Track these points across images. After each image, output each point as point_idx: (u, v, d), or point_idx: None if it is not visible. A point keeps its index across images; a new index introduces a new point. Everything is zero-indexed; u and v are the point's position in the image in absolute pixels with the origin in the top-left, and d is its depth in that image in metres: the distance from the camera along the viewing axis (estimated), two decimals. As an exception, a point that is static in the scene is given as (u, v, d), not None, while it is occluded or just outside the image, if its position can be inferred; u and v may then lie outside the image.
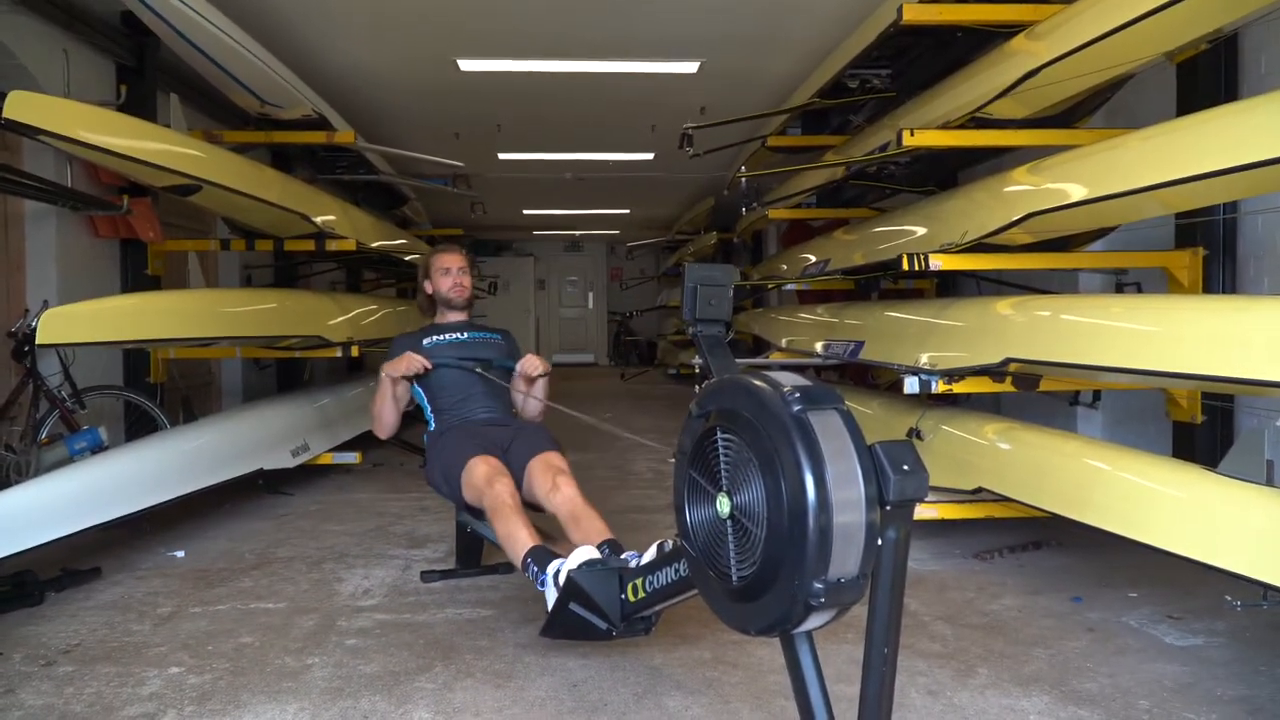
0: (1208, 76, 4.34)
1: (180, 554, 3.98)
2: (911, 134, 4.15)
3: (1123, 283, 4.76)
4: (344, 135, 6.18)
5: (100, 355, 5.44)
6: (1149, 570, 3.52)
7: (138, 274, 5.72)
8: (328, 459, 5.41)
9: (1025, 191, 3.71)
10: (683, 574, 2.16)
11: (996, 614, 3.20)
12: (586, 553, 2.59)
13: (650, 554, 2.42)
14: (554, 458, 3.19)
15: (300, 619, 3.14)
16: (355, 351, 5.71)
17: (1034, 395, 3.99)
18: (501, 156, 9.77)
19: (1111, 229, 4.17)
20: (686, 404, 2.01)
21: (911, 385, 3.86)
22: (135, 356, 5.69)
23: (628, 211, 14.48)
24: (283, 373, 8.11)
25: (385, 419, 3.49)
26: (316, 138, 6.15)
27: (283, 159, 6.88)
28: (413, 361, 3.40)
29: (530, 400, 3.55)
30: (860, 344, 4.77)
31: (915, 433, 4.15)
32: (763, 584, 1.71)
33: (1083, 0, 3.54)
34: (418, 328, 3.76)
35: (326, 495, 5.28)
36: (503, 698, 2.50)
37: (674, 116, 7.15)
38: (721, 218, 11.65)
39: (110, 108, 5.09)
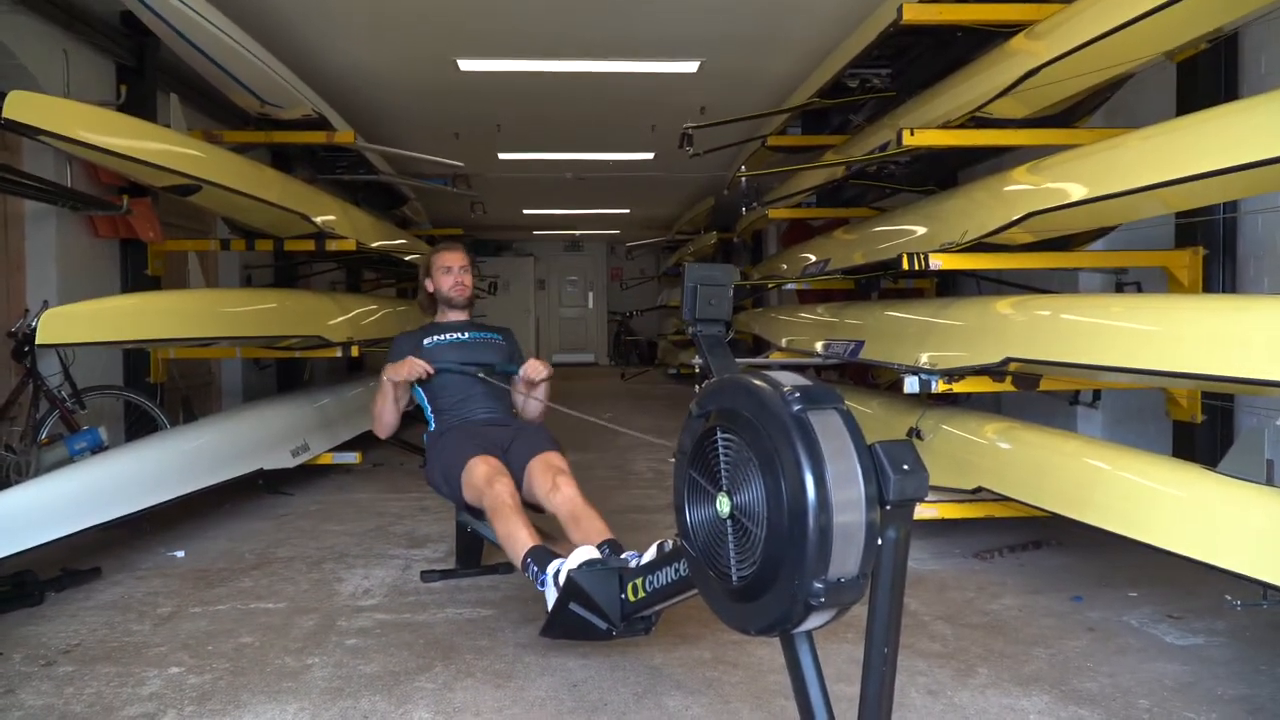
0: (1208, 76, 4.34)
1: (180, 554, 3.98)
2: (911, 133, 4.15)
3: (1123, 282, 4.76)
4: (344, 135, 6.19)
5: (100, 355, 5.44)
6: (1149, 570, 3.52)
7: (138, 274, 5.72)
8: (328, 459, 5.41)
9: (1025, 191, 3.70)
10: (683, 574, 2.16)
11: (997, 613, 3.20)
12: (586, 553, 2.59)
13: (650, 554, 2.42)
14: (554, 458, 3.20)
15: (300, 619, 3.14)
16: (355, 351, 5.71)
17: (1034, 395, 3.99)
18: (501, 156, 9.77)
19: (1111, 228, 4.17)
20: (686, 404, 2.01)
21: (911, 385, 3.86)
22: (135, 356, 5.69)
23: (628, 211, 14.48)
24: (283, 373, 8.12)
25: (385, 419, 3.52)
26: (316, 138, 6.15)
27: (283, 159, 6.88)
28: (415, 367, 3.41)
29: (531, 400, 3.56)
30: (860, 344, 4.77)
31: (915, 432, 4.15)
32: (763, 584, 1.71)
33: (1082, 0, 3.54)
34: (418, 326, 3.77)
35: (326, 495, 5.28)
36: (503, 697, 2.50)
37: (674, 116, 7.15)
38: (721, 217, 11.65)
39: (110, 108, 5.09)
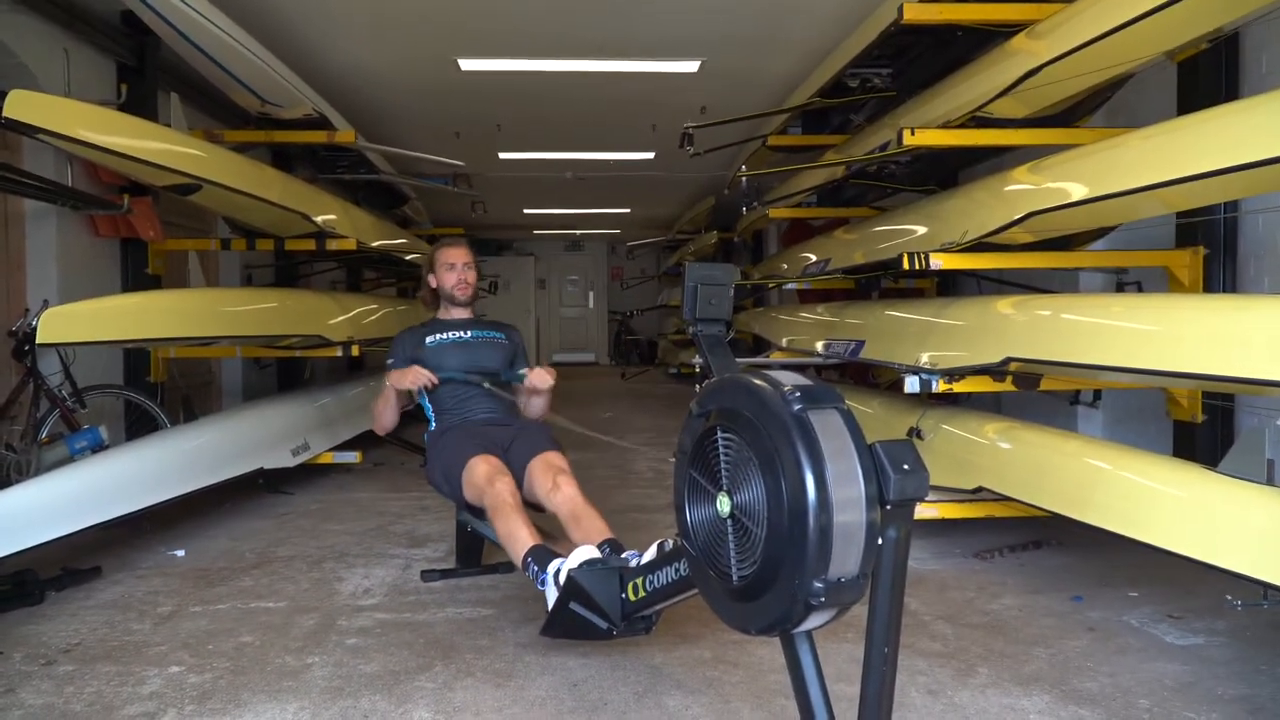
0: (1208, 76, 4.34)
1: (181, 553, 3.98)
2: (912, 133, 4.15)
3: (1123, 282, 4.76)
4: (344, 135, 6.19)
5: (100, 354, 5.44)
6: (1149, 569, 3.52)
7: (138, 273, 5.71)
8: (328, 458, 5.41)
9: (1026, 191, 3.70)
10: (683, 573, 2.16)
11: (997, 613, 3.20)
12: (587, 552, 2.60)
13: (650, 553, 2.42)
14: (554, 457, 3.20)
15: (300, 618, 3.15)
16: (355, 351, 5.71)
17: (1034, 394, 3.99)
18: (502, 156, 9.77)
19: (1112, 228, 4.17)
20: (687, 403, 2.01)
21: (912, 384, 3.86)
22: (135, 356, 5.69)
23: (628, 211, 14.48)
24: (283, 372, 8.11)
25: (385, 419, 3.57)
26: (317, 137, 6.16)
27: (283, 158, 6.88)
28: (419, 376, 3.41)
29: (532, 400, 3.56)
30: (861, 343, 4.77)
31: (916, 432, 4.15)
32: (763, 583, 1.71)
33: (1083, 0, 3.54)
34: (420, 322, 3.77)
35: (327, 494, 5.28)
36: (503, 697, 2.50)
37: (674, 116, 7.15)
38: (722, 217, 11.65)
39: (111, 107, 5.09)
